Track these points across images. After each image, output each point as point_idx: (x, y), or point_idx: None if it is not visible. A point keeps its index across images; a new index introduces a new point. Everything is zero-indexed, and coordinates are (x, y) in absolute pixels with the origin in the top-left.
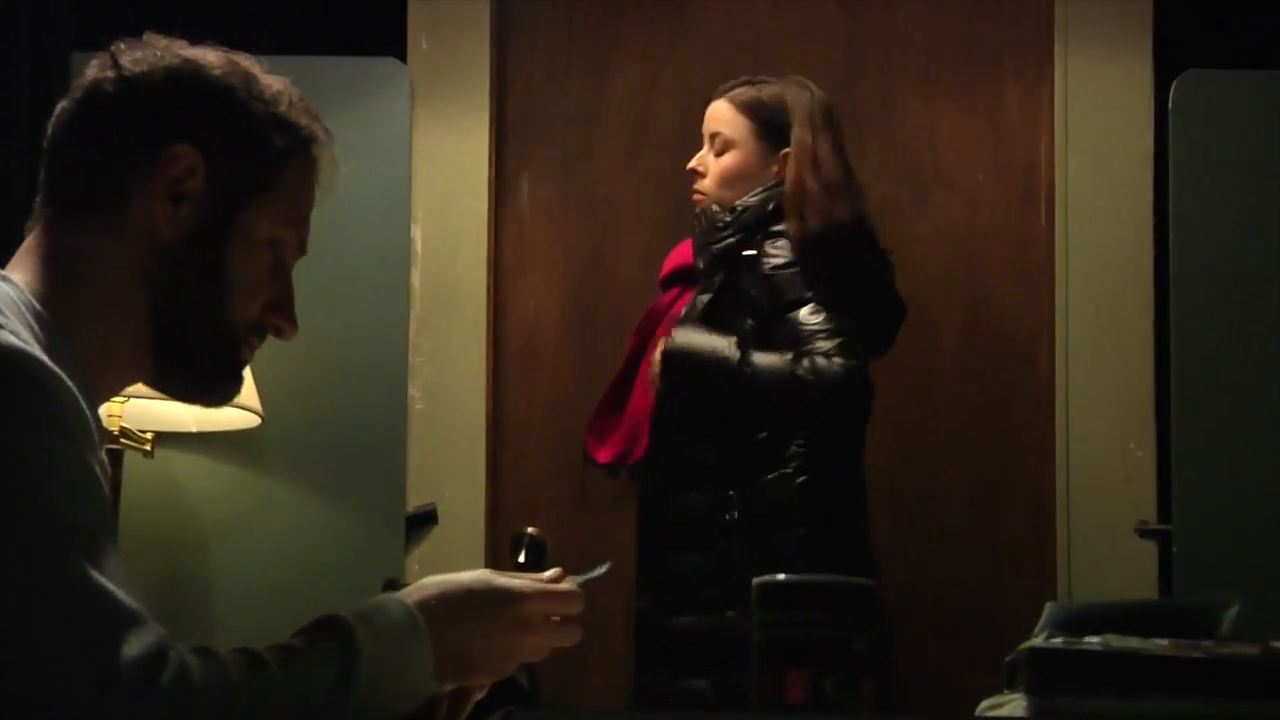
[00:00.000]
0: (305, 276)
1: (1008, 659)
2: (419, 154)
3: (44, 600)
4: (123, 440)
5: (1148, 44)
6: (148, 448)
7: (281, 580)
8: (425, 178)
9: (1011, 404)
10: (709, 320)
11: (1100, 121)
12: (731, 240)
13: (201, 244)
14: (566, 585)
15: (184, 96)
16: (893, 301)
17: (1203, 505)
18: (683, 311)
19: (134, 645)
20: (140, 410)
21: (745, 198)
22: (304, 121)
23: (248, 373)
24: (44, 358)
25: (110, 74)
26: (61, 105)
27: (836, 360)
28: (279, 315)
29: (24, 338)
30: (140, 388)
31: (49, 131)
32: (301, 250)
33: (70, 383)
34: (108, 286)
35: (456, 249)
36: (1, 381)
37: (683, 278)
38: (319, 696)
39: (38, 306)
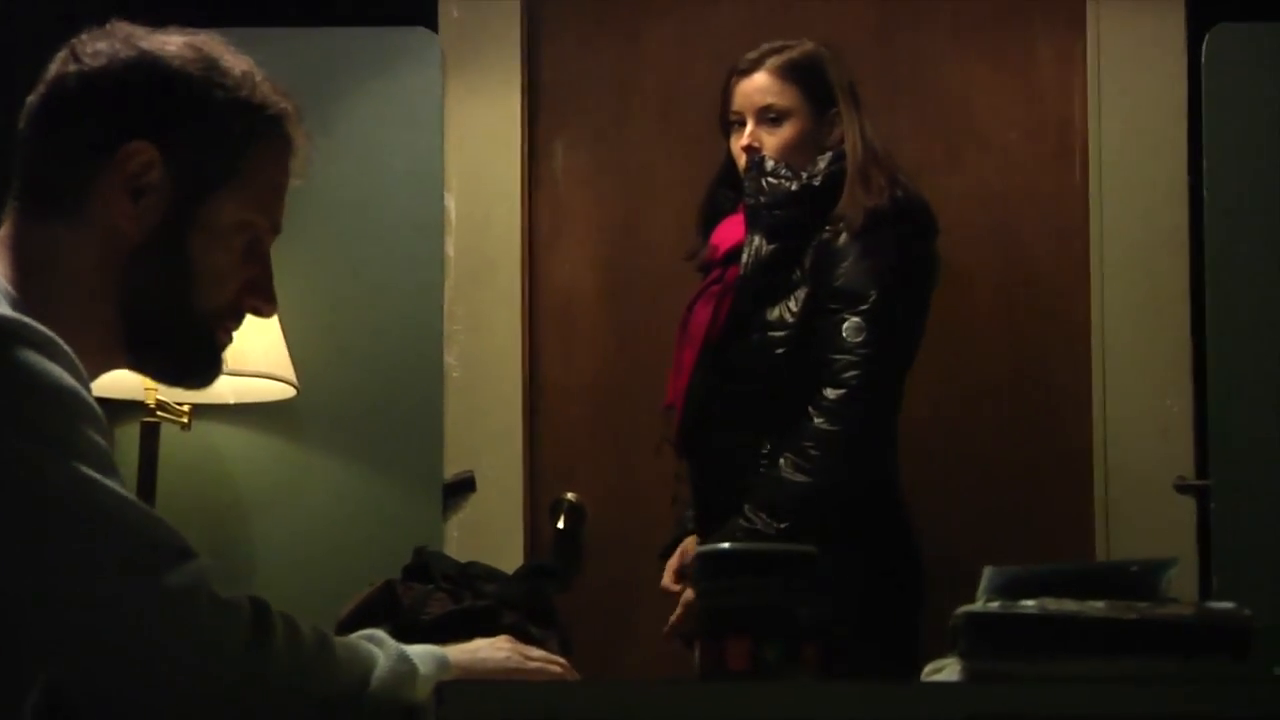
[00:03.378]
0: (340, 247)
1: (950, 624)
2: (451, 123)
3: (92, 521)
4: (160, 413)
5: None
6: (185, 420)
7: (319, 550)
8: (458, 146)
9: (1047, 360)
10: (766, 290)
11: (1133, 76)
12: (800, 211)
13: (165, 237)
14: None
15: (141, 91)
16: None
17: (1240, 460)
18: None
19: (184, 570)
20: None
21: (813, 165)
22: (271, 101)
23: (281, 344)
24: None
25: (71, 68)
26: (29, 99)
27: (850, 398)
28: (256, 296)
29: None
30: None
31: (20, 124)
32: (275, 230)
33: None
34: (76, 279)
35: (490, 217)
36: (20, 341)
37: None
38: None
39: (16, 295)
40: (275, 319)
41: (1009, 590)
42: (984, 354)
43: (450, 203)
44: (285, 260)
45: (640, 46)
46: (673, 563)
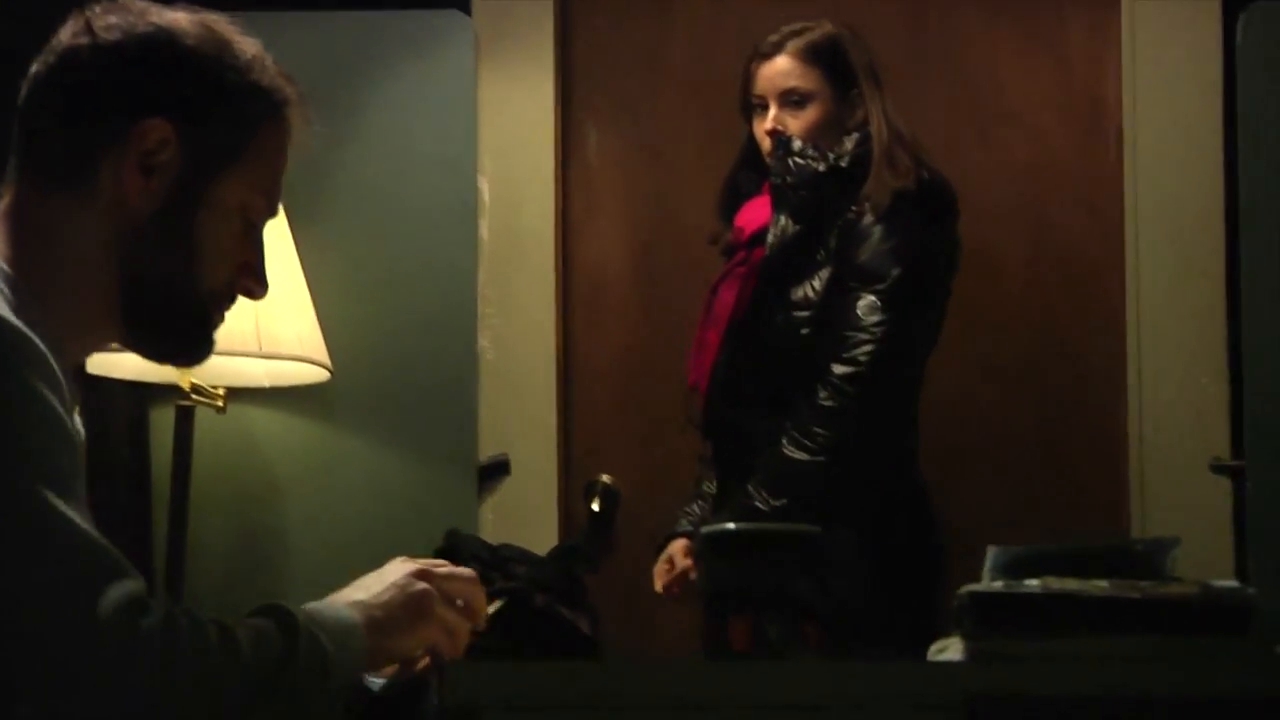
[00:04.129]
0: (372, 230)
1: (955, 604)
2: (484, 105)
3: (32, 542)
4: (195, 396)
5: None
6: (220, 404)
7: (354, 533)
8: (490, 128)
9: (1081, 340)
10: (791, 270)
11: (1168, 54)
12: (826, 191)
13: (172, 214)
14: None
15: (158, 68)
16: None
17: (1276, 440)
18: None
19: (117, 589)
20: (212, 366)
21: (840, 145)
22: (279, 85)
23: (315, 328)
24: (18, 321)
25: (84, 40)
26: (35, 68)
27: (857, 376)
28: (249, 277)
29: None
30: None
31: (22, 93)
32: (271, 212)
33: (43, 345)
34: (78, 254)
35: (523, 198)
36: None
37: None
38: (273, 660)
39: (9, 271)
40: (308, 302)
41: (1013, 569)
42: (1016, 334)
43: (483, 185)
44: (318, 243)
45: (672, 27)
46: (660, 569)
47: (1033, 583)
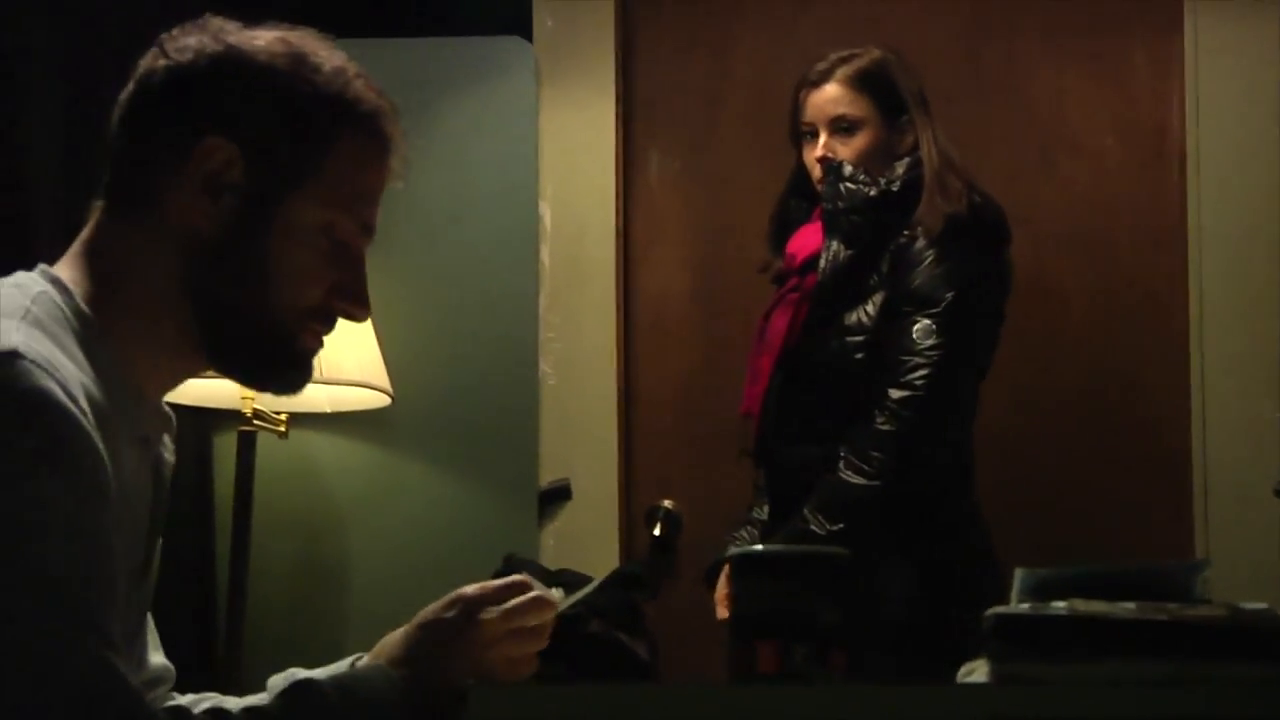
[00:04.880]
0: (435, 256)
1: (982, 626)
2: (545, 132)
3: (34, 671)
4: (257, 421)
5: (1278, 4)
6: (282, 429)
7: (415, 558)
8: (552, 155)
9: (1145, 367)
10: (843, 295)
11: (1231, 81)
12: (878, 216)
13: (242, 236)
14: (530, 595)
15: (223, 86)
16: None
17: None
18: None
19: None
20: None
21: (891, 171)
22: (364, 98)
23: (376, 353)
24: (62, 398)
25: (160, 63)
26: (121, 95)
27: (913, 400)
28: (346, 299)
29: (55, 361)
30: None
31: (111, 121)
32: (367, 232)
33: (86, 424)
34: (149, 283)
35: (585, 225)
36: (17, 425)
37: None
38: None
39: (83, 308)
40: (370, 327)
41: (1041, 591)
42: (1079, 360)
43: (545, 211)
44: (380, 268)
45: (732, 55)
46: (721, 594)
47: (1059, 605)
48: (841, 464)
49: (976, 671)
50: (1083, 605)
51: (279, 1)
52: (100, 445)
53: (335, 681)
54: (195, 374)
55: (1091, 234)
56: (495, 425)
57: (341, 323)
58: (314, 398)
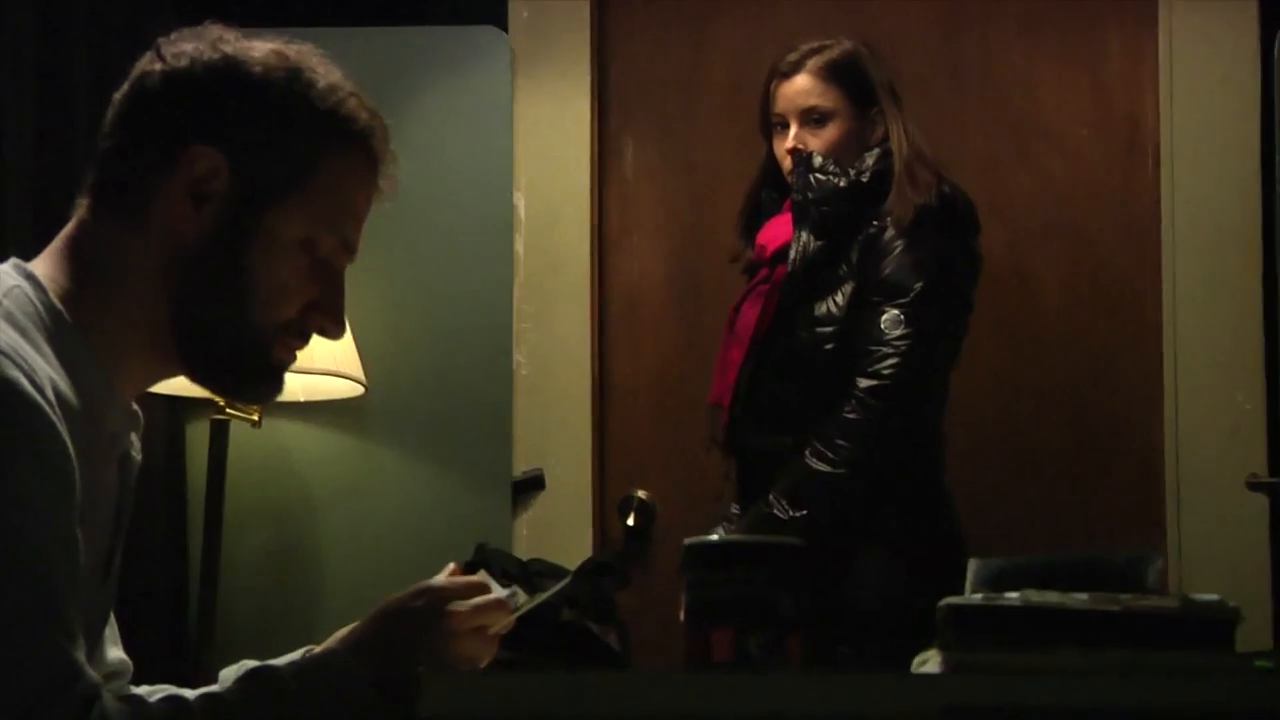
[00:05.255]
0: (409, 245)
1: (938, 617)
2: (520, 121)
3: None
4: (230, 410)
5: None
6: (255, 417)
7: (388, 548)
8: (527, 145)
9: (1117, 357)
10: (813, 286)
11: (1205, 73)
12: (847, 207)
13: (223, 245)
14: (493, 596)
15: (215, 94)
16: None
17: None
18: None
19: (62, 701)
20: None
21: (860, 162)
22: (356, 115)
23: (350, 342)
24: (29, 389)
25: (156, 67)
26: (115, 95)
27: (881, 389)
28: (322, 316)
29: (23, 354)
30: None
31: (103, 120)
32: (349, 250)
33: (52, 415)
34: (127, 284)
35: (559, 215)
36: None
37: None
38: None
39: (56, 304)
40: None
41: (996, 582)
42: (1052, 351)
43: (519, 201)
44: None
45: (708, 45)
46: None
47: (1012, 596)
48: (808, 451)
49: (930, 661)
50: (1035, 596)
51: None
52: (66, 439)
53: (293, 667)
54: (168, 376)
55: (1066, 224)
56: (469, 414)
57: None
58: (288, 386)
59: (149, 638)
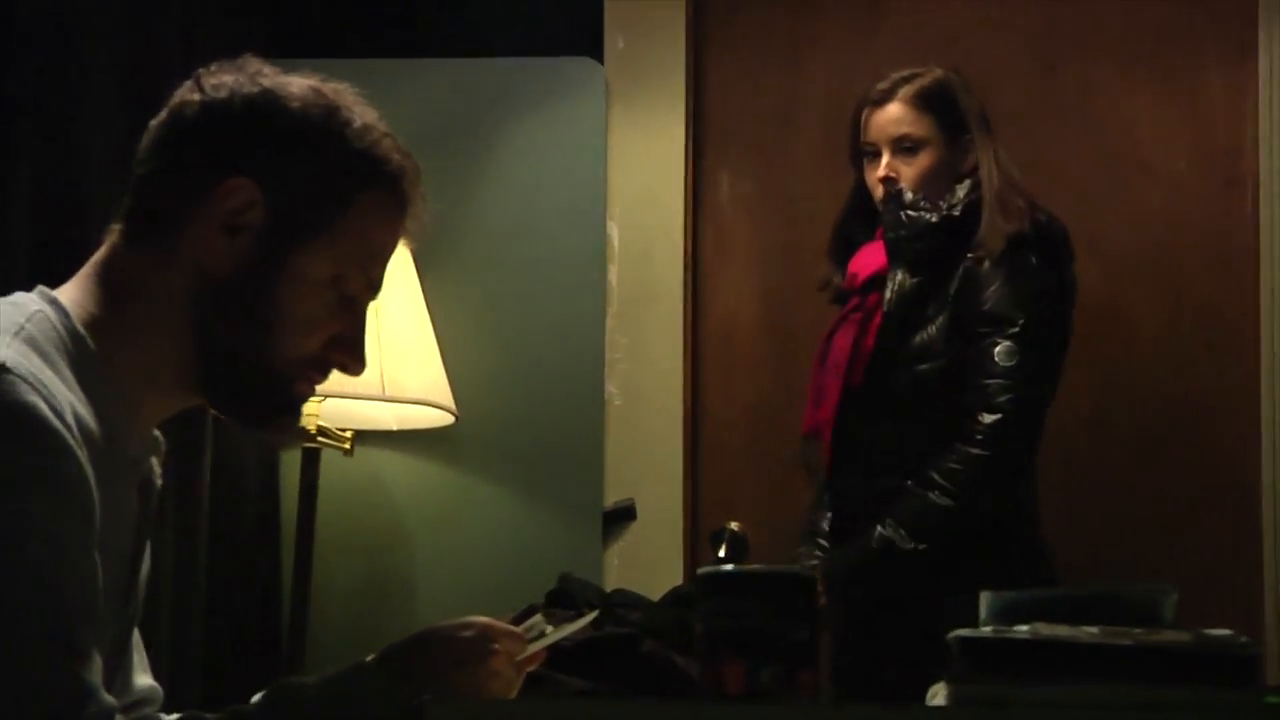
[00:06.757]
0: (502, 275)
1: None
2: (614, 152)
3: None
4: (321, 439)
5: None
6: (347, 446)
7: (479, 577)
8: (621, 175)
9: (1214, 395)
10: (910, 320)
11: None
12: (941, 241)
13: (252, 279)
14: (535, 646)
15: (253, 128)
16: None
17: None
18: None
19: None
20: (339, 409)
21: (951, 195)
22: (389, 157)
23: (441, 372)
24: (48, 414)
25: (194, 97)
26: (152, 122)
27: (1004, 422)
28: (344, 352)
29: (44, 379)
30: (334, 385)
31: (139, 147)
32: (373, 289)
33: (72, 442)
34: (153, 311)
35: (653, 246)
36: (1, 439)
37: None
38: None
39: (79, 329)
40: (434, 345)
41: (1009, 615)
42: (1148, 385)
43: (613, 231)
44: (447, 288)
45: (803, 75)
46: None
47: (1022, 629)
48: (929, 484)
49: (939, 694)
50: (1045, 629)
51: (356, 23)
52: (86, 464)
53: (320, 678)
54: (189, 404)
55: (1162, 258)
56: (561, 445)
57: (407, 339)
58: (379, 415)
59: (242, 667)
